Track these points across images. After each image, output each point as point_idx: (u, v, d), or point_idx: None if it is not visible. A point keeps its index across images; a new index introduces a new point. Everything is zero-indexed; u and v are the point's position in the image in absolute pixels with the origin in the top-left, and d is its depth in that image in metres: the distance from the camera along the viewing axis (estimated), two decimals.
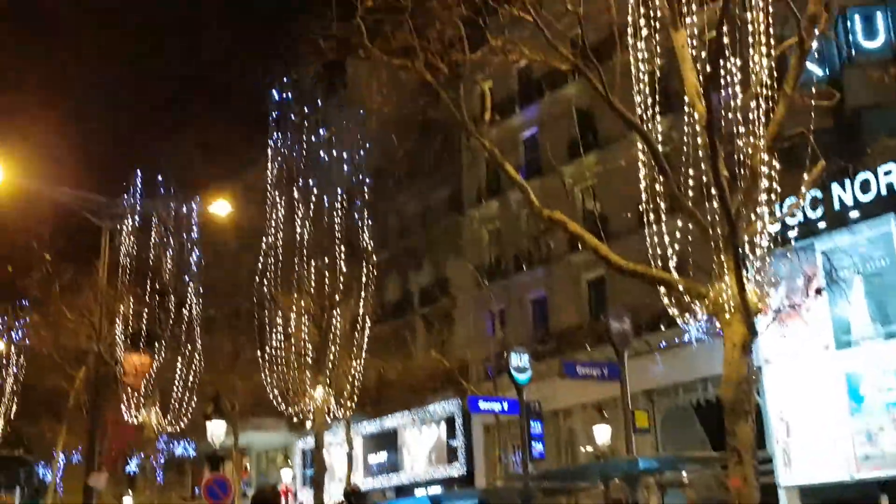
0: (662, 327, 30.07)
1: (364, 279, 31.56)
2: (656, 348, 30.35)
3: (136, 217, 35.10)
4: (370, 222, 32.78)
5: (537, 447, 31.21)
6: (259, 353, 31.86)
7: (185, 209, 35.73)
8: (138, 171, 35.43)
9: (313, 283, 30.82)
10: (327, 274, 31.11)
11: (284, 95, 32.54)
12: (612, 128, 31.54)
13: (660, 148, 14.81)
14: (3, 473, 59.28)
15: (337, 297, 30.82)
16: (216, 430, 24.40)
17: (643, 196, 15.26)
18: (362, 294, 31.60)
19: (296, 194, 31.72)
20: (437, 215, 44.99)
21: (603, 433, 28.84)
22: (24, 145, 32.97)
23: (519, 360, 23.90)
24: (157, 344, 35.71)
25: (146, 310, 36.06)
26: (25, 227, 36.87)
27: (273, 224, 31.90)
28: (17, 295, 43.59)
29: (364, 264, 31.73)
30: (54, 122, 75.61)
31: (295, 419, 32.48)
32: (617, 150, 30.34)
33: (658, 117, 15.06)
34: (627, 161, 18.04)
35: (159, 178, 35.69)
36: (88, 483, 26.64)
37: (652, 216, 14.93)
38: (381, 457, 45.82)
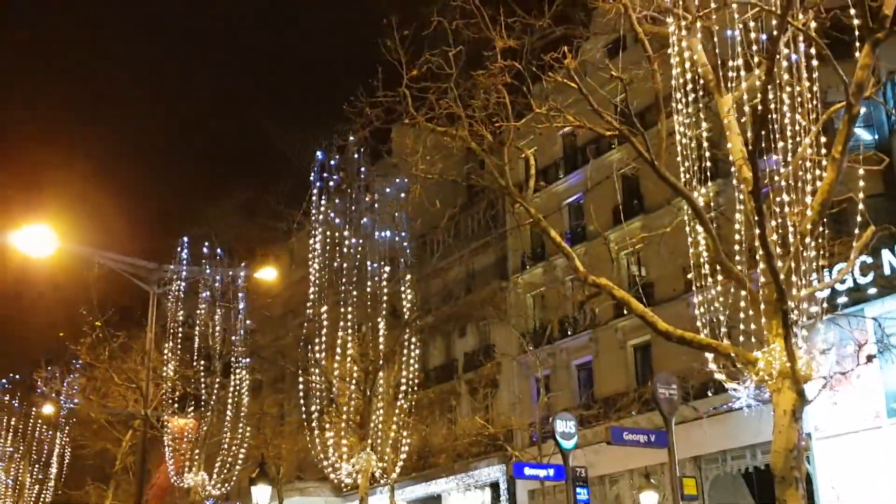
0: (710, 393, 29.79)
1: (407, 344, 31.52)
2: (704, 415, 29.99)
3: (183, 283, 35.41)
4: (411, 288, 32.73)
5: None
6: (304, 416, 31.85)
7: (231, 274, 36.00)
8: (185, 237, 35.88)
9: (357, 348, 30.83)
10: (371, 339, 31.15)
11: (330, 161, 32.78)
12: (658, 193, 31.55)
13: (707, 213, 14.78)
14: None
15: (380, 362, 30.79)
16: (261, 494, 24.37)
17: (690, 262, 15.20)
18: (404, 359, 31.53)
19: (339, 259, 31.83)
20: (482, 281, 45.00)
21: (650, 500, 28.44)
22: (74, 211, 33.57)
23: (565, 425, 23.60)
24: (203, 408, 35.82)
25: (193, 374, 36.25)
26: (76, 293, 37.39)
27: (317, 289, 31.98)
28: (67, 360, 44.14)
29: (406, 329, 31.70)
30: (104, 188, 77.19)
31: (338, 482, 32.33)
32: (662, 216, 30.28)
33: (709, 182, 15.05)
34: (673, 227, 17.99)
35: (206, 244, 36.10)
36: None
37: (699, 282, 14.86)
38: None
